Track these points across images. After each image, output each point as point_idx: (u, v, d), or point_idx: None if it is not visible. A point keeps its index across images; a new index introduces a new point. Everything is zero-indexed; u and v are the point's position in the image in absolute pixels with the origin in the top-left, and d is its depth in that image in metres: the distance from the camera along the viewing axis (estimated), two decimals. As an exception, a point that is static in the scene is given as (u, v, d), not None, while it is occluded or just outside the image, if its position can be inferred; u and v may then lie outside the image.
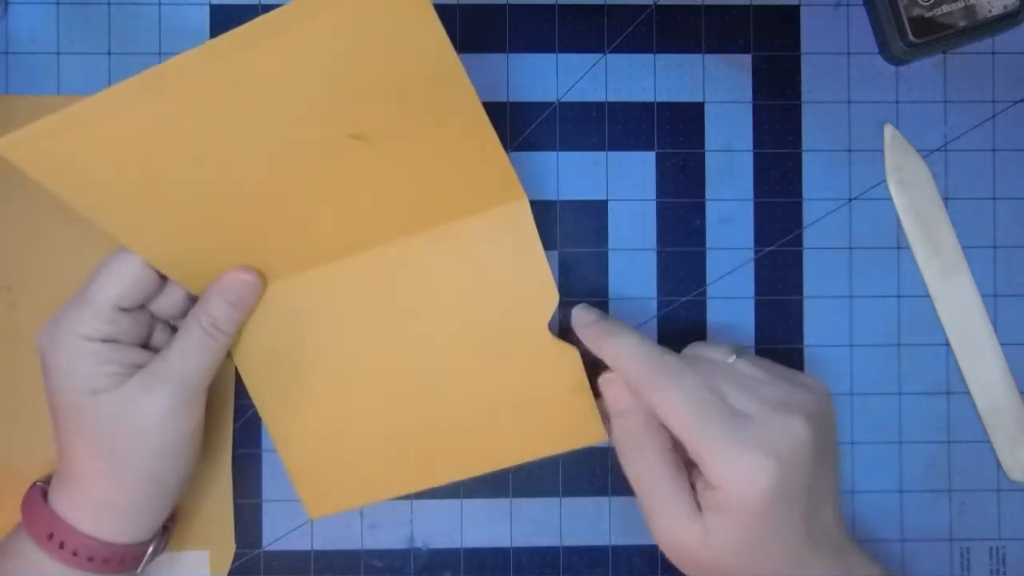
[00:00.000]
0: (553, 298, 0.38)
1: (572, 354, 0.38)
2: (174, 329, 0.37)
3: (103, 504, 0.34)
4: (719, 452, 0.31)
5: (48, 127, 0.30)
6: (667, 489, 0.33)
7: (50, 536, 0.33)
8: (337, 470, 0.39)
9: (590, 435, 0.38)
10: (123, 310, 0.34)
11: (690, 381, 0.33)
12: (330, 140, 0.32)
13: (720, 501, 0.32)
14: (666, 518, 0.33)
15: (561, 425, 0.38)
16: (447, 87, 0.31)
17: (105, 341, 0.34)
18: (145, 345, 0.36)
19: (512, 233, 0.37)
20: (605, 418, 0.37)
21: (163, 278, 0.35)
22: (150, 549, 0.36)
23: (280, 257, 0.37)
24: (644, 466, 0.34)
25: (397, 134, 0.33)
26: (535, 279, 0.38)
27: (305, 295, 0.38)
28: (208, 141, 0.32)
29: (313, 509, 0.39)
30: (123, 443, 0.33)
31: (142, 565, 0.36)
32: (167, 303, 0.36)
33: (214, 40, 0.29)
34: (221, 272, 0.36)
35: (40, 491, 0.35)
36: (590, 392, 0.38)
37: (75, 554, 0.33)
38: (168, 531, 0.38)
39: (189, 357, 0.34)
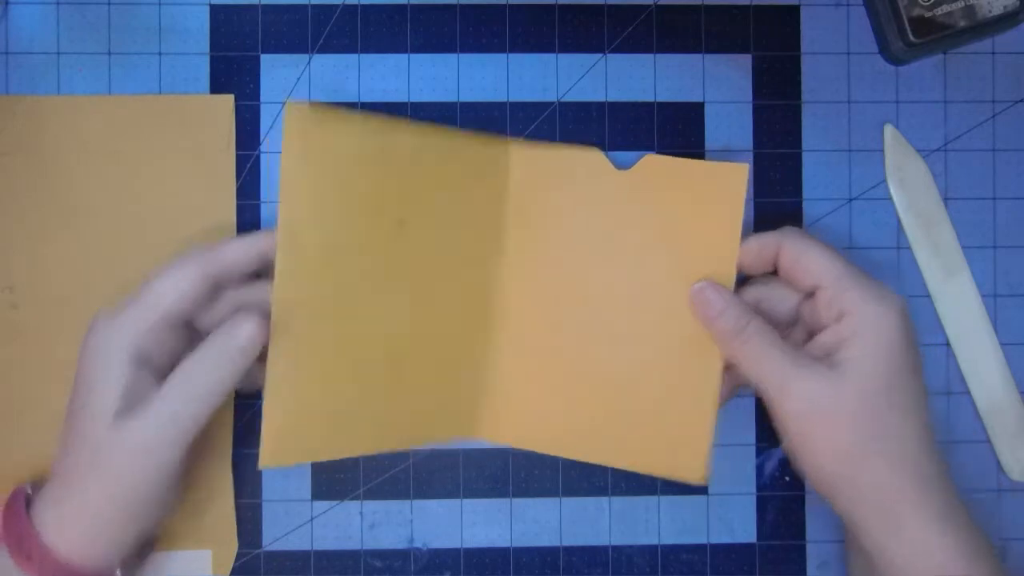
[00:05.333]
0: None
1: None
2: None
3: (78, 522, 0.33)
4: (855, 281, 0.34)
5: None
6: (790, 349, 0.35)
7: (20, 545, 0.33)
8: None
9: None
10: (171, 324, 0.34)
11: (823, 242, 0.36)
12: None
13: (857, 326, 0.34)
14: (798, 374, 0.34)
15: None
16: None
17: (139, 359, 0.33)
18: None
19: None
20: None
21: (213, 292, 0.35)
22: None
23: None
24: (758, 339, 0.35)
25: None
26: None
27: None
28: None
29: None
30: (117, 465, 0.33)
31: None
32: (210, 320, 0.36)
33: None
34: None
35: (23, 497, 0.35)
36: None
37: (41, 568, 0.33)
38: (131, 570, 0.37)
39: (184, 412, 0.33)
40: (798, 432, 0.34)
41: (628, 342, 0.38)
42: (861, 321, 0.34)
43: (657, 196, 0.38)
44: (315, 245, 0.35)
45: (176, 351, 0.35)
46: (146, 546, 0.38)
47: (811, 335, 0.36)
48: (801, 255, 0.36)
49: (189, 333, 0.36)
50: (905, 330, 0.34)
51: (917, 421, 0.34)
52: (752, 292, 0.37)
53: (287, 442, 0.35)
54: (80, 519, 0.33)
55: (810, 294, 0.36)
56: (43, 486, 0.35)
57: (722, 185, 0.37)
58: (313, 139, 0.34)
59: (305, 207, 0.34)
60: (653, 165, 0.38)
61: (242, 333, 0.34)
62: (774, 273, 0.38)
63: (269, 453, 0.35)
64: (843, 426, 0.33)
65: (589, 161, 0.39)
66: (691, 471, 0.37)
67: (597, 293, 0.39)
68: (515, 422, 0.39)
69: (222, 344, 0.34)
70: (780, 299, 0.37)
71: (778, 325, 0.37)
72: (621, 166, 0.39)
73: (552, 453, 0.39)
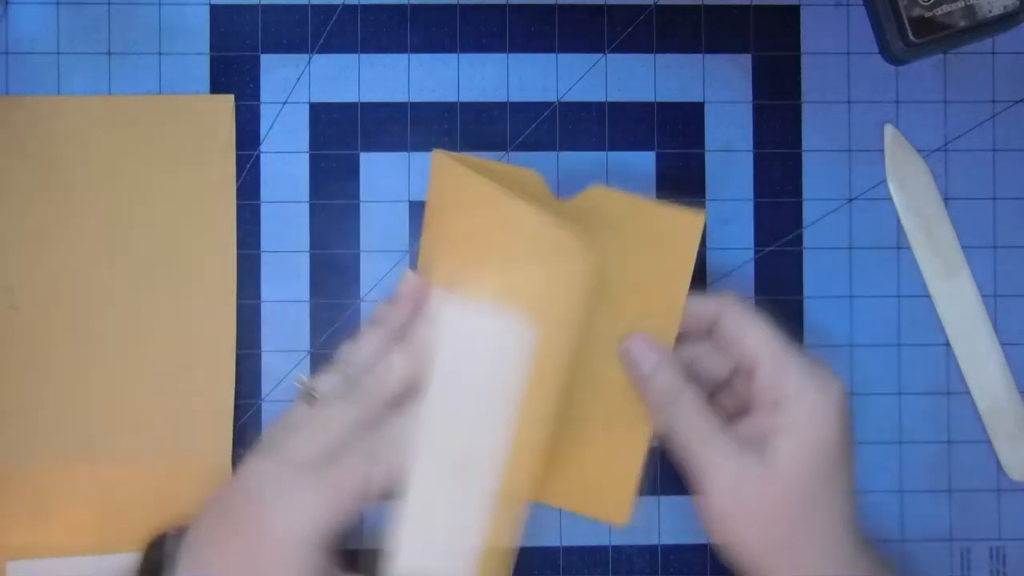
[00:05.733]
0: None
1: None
2: None
3: None
4: (793, 368, 0.33)
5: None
6: (718, 431, 0.33)
7: None
8: None
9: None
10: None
11: (763, 317, 0.34)
12: None
13: (792, 420, 0.32)
14: (723, 461, 0.32)
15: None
16: None
17: (323, 544, 0.32)
18: None
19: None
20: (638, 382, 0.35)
21: None
22: None
23: None
24: (687, 415, 0.33)
25: None
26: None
27: None
28: None
29: None
30: None
31: None
32: None
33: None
34: None
35: None
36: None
37: None
38: None
39: None
40: (723, 516, 0.33)
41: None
42: (797, 415, 0.32)
43: (599, 233, 0.34)
44: None
45: None
46: None
47: (741, 408, 0.35)
48: (739, 332, 0.34)
49: None
50: (841, 423, 0.33)
51: (845, 510, 0.33)
52: (686, 351, 0.35)
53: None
54: None
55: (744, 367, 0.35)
56: None
57: (674, 233, 0.34)
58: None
59: None
60: (599, 197, 0.35)
61: None
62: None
63: None
64: (770, 518, 0.32)
65: (525, 183, 0.36)
66: (615, 514, 0.37)
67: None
68: None
69: None
70: (713, 363, 0.36)
71: (707, 387, 0.35)
72: (563, 196, 0.36)
73: None
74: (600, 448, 0.36)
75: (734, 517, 0.33)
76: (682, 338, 0.36)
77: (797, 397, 0.33)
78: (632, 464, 0.36)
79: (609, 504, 0.37)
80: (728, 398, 0.36)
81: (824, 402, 0.33)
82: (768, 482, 0.32)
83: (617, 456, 0.36)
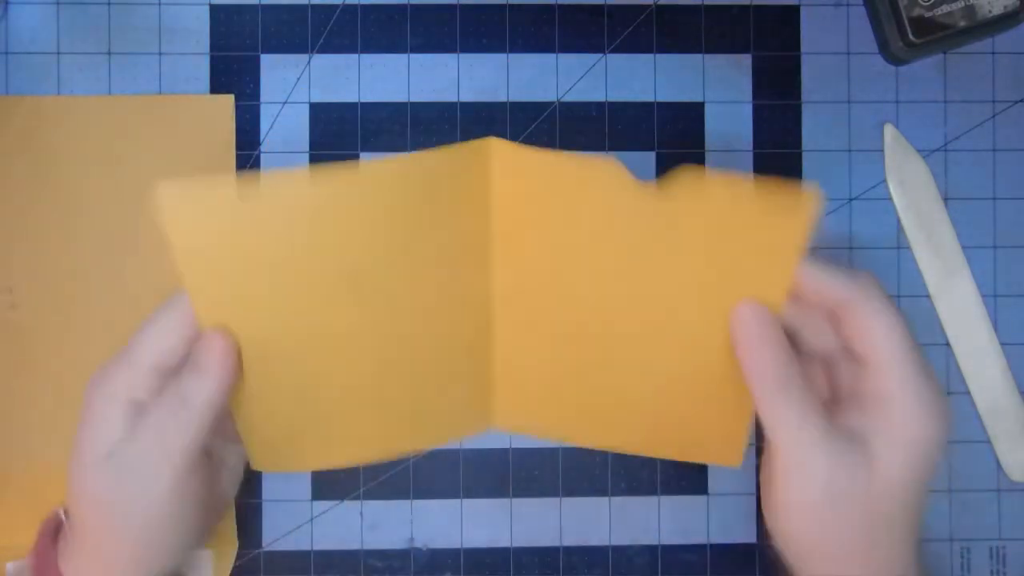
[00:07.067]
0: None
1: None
2: None
3: (95, 570, 0.32)
4: (916, 382, 0.31)
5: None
6: (819, 417, 0.31)
7: None
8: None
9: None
10: (161, 372, 0.32)
11: (895, 312, 0.31)
12: None
13: (900, 438, 0.31)
14: (819, 448, 0.30)
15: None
16: None
17: (133, 410, 0.31)
18: None
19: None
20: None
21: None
22: None
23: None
24: (794, 404, 0.31)
25: None
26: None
27: None
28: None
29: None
30: (112, 500, 0.32)
31: None
32: None
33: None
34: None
35: (51, 537, 0.34)
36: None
37: None
38: None
39: (166, 436, 0.31)
40: (803, 506, 0.31)
41: (649, 347, 0.35)
42: (906, 435, 0.31)
43: (693, 218, 0.32)
44: (234, 297, 0.32)
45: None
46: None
47: (832, 390, 0.33)
48: (868, 323, 0.31)
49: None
50: (939, 449, 0.31)
51: (918, 520, 0.32)
52: (792, 319, 0.32)
53: (271, 454, 0.35)
54: (95, 567, 0.32)
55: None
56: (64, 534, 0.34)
57: (781, 213, 0.31)
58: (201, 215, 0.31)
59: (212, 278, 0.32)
60: (689, 179, 0.32)
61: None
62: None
63: (258, 462, 0.35)
64: (860, 516, 0.31)
65: (601, 173, 0.33)
66: (729, 458, 0.35)
67: (610, 301, 0.35)
68: (531, 413, 0.37)
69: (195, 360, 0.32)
70: (820, 338, 0.33)
71: (803, 360, 0.33)
72: (645, 179, 0.34)
73: (570, 442, 0.38)
74: (709, 400, 0.35)
75: (818, 508, 0.31)
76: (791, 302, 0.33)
77: (913, 419, 0.31)
78: (742, 410, 0.34)
79: (721, 449, 0.35)
80: (815, 372, 0.34)
81: (937, 426, 0.31)
82: (867, 481, 0.31)
83: (727, 404, 0.34)
